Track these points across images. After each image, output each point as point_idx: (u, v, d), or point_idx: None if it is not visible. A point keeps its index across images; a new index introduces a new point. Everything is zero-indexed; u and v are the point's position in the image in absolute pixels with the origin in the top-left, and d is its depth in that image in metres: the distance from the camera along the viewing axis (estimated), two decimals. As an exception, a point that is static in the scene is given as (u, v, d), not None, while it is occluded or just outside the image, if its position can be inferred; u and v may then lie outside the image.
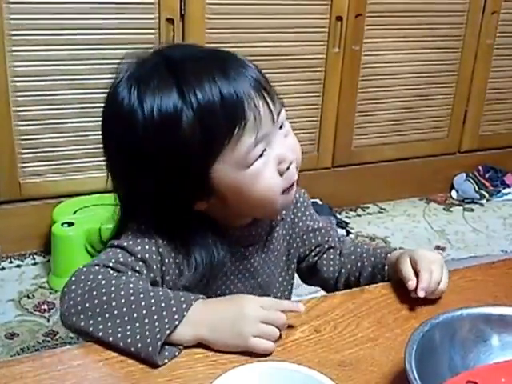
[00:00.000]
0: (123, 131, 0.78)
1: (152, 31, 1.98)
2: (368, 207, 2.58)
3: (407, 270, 0.83)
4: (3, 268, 2.01)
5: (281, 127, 0.81)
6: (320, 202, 2.44)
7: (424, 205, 2.65)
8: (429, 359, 0.65)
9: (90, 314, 0.71)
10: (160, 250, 0.80)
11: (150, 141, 0.75)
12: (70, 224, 1.90)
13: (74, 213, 1.98)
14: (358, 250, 0.97)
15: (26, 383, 0.66)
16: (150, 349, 0.68)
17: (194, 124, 0.74)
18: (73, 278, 0.75)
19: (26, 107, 1.94)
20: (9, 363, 0.70)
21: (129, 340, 0.69)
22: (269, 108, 0.78)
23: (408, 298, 0.83)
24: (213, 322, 0.71)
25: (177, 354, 0.70)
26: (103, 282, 0.73)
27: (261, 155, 0.78)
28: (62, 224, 1.91)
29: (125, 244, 0.79)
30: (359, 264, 0.95)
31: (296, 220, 0.96)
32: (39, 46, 1.90)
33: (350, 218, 2.49)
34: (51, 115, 1.97)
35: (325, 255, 0.98)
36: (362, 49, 2.32)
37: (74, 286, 0.74)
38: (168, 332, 0.69)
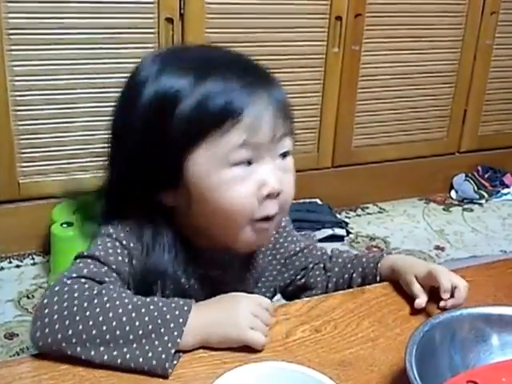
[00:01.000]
0: (127, 101, 0.77)
1: (151, 31, 1.98)
2: (368, 207, 2.58)
3: (416, 290, 0.82)
4: (2, 268, 2.00)
5: (284, 156, 0.77)
6: (320, 202, 2.44)
7: (423, 205, 2.65)
8: (429, 359, 0.65)
9: (74, 340, 0.67)
10: (134, 261, 0.76)
11: (144, 113, 0.74)
12: (70, 224, 1.90)
13: (74, 212, 1.97)
14: (340, 260, 0.94)
15: None
16: (159, 370, 0.66)
17: (192, 104, 0.72)
18: (45, 301, 0.69)
19: (25, 107, 1.94)
20: (8, 364, 0.70)
21: (132, 364, 0.67)
22: (274, 123, 0.74)
23: (408, 297, 0.83)
24: (211, 322, 0.71)
25: (180, 358, 0.70)
26: (85, 303, 0.68)
27: (245, 164, 0.73)
28: (62, 224, 1.91)
29: (96, 254, 0.75)
30: (346, 276, 0.93)
31: (278, 246, 0.92)
32: (38, 46, 1.90)
33: (349, 217, 2.49)
34: (50, 115, 1.97)
35: (310, 273, 0.94)
36: (361, 49, 2.33)
37: (47, 310, 0.68)
38: (173, 351, 0.67)
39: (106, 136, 0.80)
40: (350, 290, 0.88)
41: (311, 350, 0.73)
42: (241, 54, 0.81)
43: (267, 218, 0.76)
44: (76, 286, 0.70)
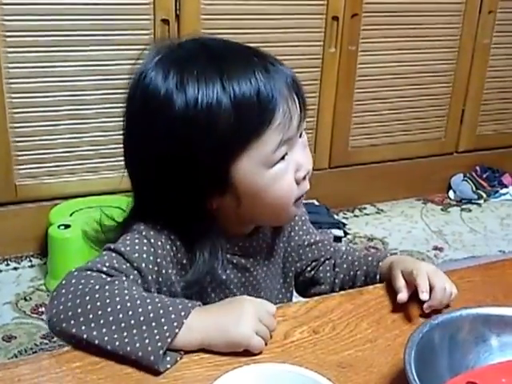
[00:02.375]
0: (154, 118, 0.76)
1: (147, 32, 1.98)
2: (365, 208, 2.58)
3: (399, 284, 0.82)
4: (0, 270, 2.00)
5: (300, 136, 0.81)
6: (317, 203, 2.44)
7: (421, 205, 2.65)
8: (428, 360, 0.64)
9: (82, 319, 0.69)
10: (158, 260, 0.78)
11: (183, 129, 0.74)
12: (67, 226, 1.90)
13: (71, 215, 1.97)
14: (350, 258, 0.96)
15: (23, 386, 0.66)
16: (152, 357, 0.67)
17: (230, 116, 0.73)
18: (63, 282, 0.73)
19: (22, 109, 1.93)
20: (6, 366, 0.69)
21: (128, 348, 0.68)
22: (299, 112, 0.78)
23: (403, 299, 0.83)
24: (214, 324, 0.71)
25: (179, 359, 0.69)
26: (96, 286, 0.71)
27: (282, 158, 0.77)
28: (59, 226, 1.90)
29: (122, 249, 0.76)
30: (352, 273, 0.94)
31: (293, 234, 0.95)
32: (33, 48, 1.89)
33: (347, 218, 2.49)
34: (46, 117, 1.97)
35: (321, 268, 0.97)
36: (358, 49, 2.33)
37: (64, 290, 0.72)
38: (169, 340, 0.68)
39: (124, 150, 0.81)
40: (349, 290, 0.88)
41: (310, 352, 0.73)
42: (240, 44, 0.82)
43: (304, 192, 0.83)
44: (94, 274, 0.73)
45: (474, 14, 2.49)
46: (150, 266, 0.77)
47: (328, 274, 0.96)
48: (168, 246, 0.79)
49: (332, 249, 0.98)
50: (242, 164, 0.76)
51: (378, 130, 2.52)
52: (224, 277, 0.84)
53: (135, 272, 0.76)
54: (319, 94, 2.33)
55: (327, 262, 0.97)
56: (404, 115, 2.55)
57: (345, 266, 0.96)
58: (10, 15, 1.84)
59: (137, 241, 0.78)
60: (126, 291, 0.71)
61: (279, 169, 0.77)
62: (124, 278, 0.74)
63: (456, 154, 2.73)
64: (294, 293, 1.00)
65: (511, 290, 0.89)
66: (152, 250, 0.78)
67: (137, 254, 0.77)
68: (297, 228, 0.96)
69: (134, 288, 0.73)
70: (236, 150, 0.75)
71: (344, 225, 2.40)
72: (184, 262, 0.80)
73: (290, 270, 0.95)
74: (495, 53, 2.61)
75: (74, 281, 0.72)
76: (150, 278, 0.77)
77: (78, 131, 2.01)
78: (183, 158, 0.75)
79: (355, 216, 2.53)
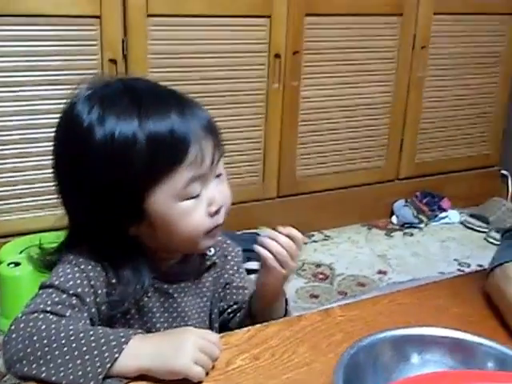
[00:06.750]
0: (76, 147, 0.82)
1: (95, 71, 2.01)
2: (313, 235, 2.65)
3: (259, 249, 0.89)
4: (-51, 311, 1.98)
5: (218, 176, 0.87)
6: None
7: (367, 231, 2.74)
8: (355, 380, 0.70)
9: (31, 358, 0.73)
10: (92, 282, 0.82)
11: (101, 160, 0.80)
12: (17, 264, 1.89)
13: (21, 252, 1.97)
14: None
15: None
16: (92, 383, 0.71)
17: (144, 152, 0.79)
18: (12, 328, 0.76)
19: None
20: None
21: (71, 377, 0.71)
22: (212, 152, 0.84)
23: (341, 323, 0.89)
24: (154, 351, 0.74)
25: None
26: (43, 327, 0.75)
27: (196, 195, 0.83)
28: (9, 264, 1.90)
29: (56, 283, 0.80)
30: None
31: (223, 271, 0.99)
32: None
33: (296, 246, 2.55)
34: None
35: (238, 313, 1.00)
36: (300, 84, 2.42)
37: (14, 335, 0.75)
38: (108, 365, 0.71)
39: (53, 176, 0.86)
40: (287, 318, 0.93)
41: (251, 378, 0.77)
42: (163, 87, 0.88)
43: (217, 225, 0.87)
44: (41, 316, 0.76)
45: (407, 50, 2.63)
46: (86, 290, 0.82)
47: (238, 322, 0.99)
48: (98, 268, 0.84)
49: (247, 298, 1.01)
50: (156, 196, 0.81)
51: (323, 160, 2.62)
52: (146, 299, 0.88)
53: (74, 298, 0.80)
54: (265, 127, 2.42)
55: (242, 311, 1.00)
56: (347, 145, 2.65)
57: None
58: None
59: (68, 270, 0.82)
60: (70, 327, 0.75)
61: (191, 203, 0.83)
62: (68, 313, 0.78)
63: (397, 180, 2.85)
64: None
65: (435, 310, 0.95)
66: (84, 274, 0.82)
67: (71, 282, 0.81)
68: (228, 267, 1.00)
69: (79, 323, 0.77)
70: (149, 183, 0.81)
71: (293, 252, 2.46)
72: (113, 281, 0.85)
73: (216, 306, 0.99)
74: (429, 85, 2.75)
75: (22, 325, 0.76)
76: (88, 299, 0.81)
77: (22, 170, 2.03)
78: (101, 188, 0.81)
79: (304, 243, 2.57)
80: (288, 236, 0.89)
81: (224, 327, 0.99)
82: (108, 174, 0.80)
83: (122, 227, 0.84)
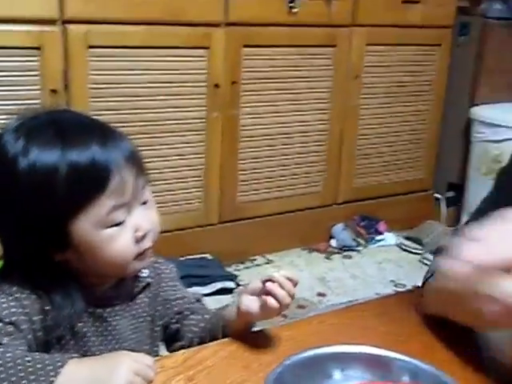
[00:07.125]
0: (1, 177, 0.85)
1: (36, 102, 2.02)
2: (256, 259, 2.70)
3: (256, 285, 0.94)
4: None
5: (145, 203, 0.90)
6: (210, 257, 2.53)
7: (307, 254, 2.80)
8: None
9: None
10: (26, 310, 0.84)
11: (24, 189, 0.83)
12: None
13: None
14: (207, 315, 1.03)
15: None
16: None
17: (65, 181, 0.83)
18: None
19: None
20: None
21: None
22: (134, 181, 0.87)
23: (272, 343, 0.93)
24: (90, 375, 0.76)
25: None
26: None
27: (120, 222, 0.86)
28: None
29: None
30: (207, 327, 1.01)
31: (159, 290, 1.02)
32: None
33: (239, 270, 2.59)
34: None
35: (185, 321, 1.02)
36: (239, 113, 2.49)
37: None
38: None
39: None
40: (223, 339, 0.96)
41: None
42: (85, 116, 0.93)
43: (145, 250, 0.90)
44: None
45: (342, 79, 2.73)
46: (21, 317, 0.83)
47: (195, 329, 1.01)
48: (33, 296, 0.86)
49: (201, 305, 1.05)
50: (79, 224, 0.84)
51: (264, 186, 2.68)
52: (80, 324, 0.90)
53: (9, 326, 0.82)
54: (205, 154, 2.47)
55: (193, 315, 1.03)
56: (286, 171, 2.72)
57: (202, 324, 1.01)
58: None
59: (2, 300, 0.84)
60: (7, 354, 0.76)
61: (115, 230, 0.86)
62: (5, 341, 0.79)
63: (335, 205, 2.93)
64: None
65: (364, 329, 1.00)
66: (18, 302, 0.84)
67: (6, 311, 0.83)
68: (163, 284, 1.03)
69: (16, 350, 0.78)
70: (72, 211, 0.84)
71: (236, 277, 2.49)
72: (47, 308, 0.87)
73: (157, 325, 1.01)
74: (364, 113, 2.85)
75: None
76: (23, 327, 0.83)
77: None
78: (26, 215, 0.84)
79: (246, 268, 2.63)
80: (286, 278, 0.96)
81: (176, 336, 1.02)
82: (31, 203, 0.84)
83: (48, 253, 0.87)
